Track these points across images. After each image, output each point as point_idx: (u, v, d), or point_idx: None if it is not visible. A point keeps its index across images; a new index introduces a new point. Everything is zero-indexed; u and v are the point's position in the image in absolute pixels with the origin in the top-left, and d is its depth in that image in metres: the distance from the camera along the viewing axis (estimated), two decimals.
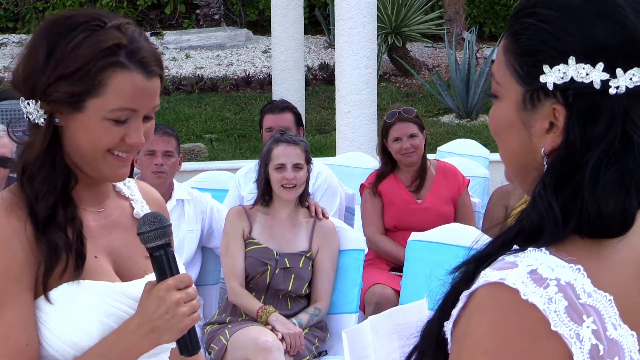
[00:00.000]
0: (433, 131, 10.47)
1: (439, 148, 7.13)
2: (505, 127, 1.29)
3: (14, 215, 1.73)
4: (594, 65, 1.21)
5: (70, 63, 1.71)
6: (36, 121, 1.75)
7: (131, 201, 1.94)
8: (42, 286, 1.72)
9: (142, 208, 1.94)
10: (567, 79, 1.22)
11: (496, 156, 7.69)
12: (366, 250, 4.92)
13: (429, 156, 5.37)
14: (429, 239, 4.48)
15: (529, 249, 1.21)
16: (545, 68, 1.23)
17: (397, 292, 4.66)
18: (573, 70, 1.22)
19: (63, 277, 1.73)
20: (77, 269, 1.74)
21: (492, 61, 11.81)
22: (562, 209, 1.21)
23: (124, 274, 1.84)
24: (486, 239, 1.29)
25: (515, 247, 1.22)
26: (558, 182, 1.22)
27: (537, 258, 1.19)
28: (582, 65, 1.21)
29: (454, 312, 1.22)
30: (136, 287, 1.81)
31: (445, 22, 13.60)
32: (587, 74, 1.21)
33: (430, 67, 13.41)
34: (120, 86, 1.72)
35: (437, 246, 4.43)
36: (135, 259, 1.86)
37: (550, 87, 1.23)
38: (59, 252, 1.72)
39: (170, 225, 1.81)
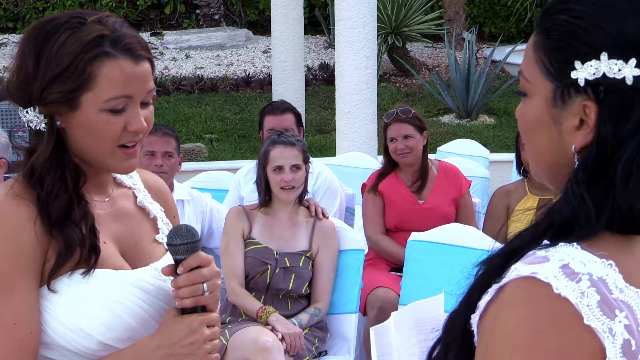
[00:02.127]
0: (433, 131, 10.46)
1: (439, 148, 7.13)
2: (535, 125, 1.29)
3: (24, 206, 1.75)
4: (626, 61, 1.21)
5: (59, 63, 1.74)
6: (37, 127, 1.78)
7: (134, 190, 1.97)
8: (49, 276, 1.75)
9: (144, 196, 1.97)
10: (599, 74, 1.22)
11: (496, 156, 7.71)
12: (366, 250, 4.91)
13: (431, 156, 5.37)
14: (428, 239, 4.47)
15: (560, 243, 1.21)
16: (577, 64, 1.23)
17: (400, 295, 4.65)
18: (605, 66, 1.21)
19: (74, 269, 1.77)
20: (89, 262, 1.77)
21: (492, 61, 11.82)
22: (594, 204, 1.20)
23: (131, 260, 1.87)
24: (498, 245, 1.29)
25: (546, 242, 1.22)
26: (590, 178, 1.22)
27: (568, 253, 1.19)
28: (615, 61, 1.21)
29: (481, 304, 1.22)
30: (143, 276, 1.85)
31: (445, 22, 13.60)
32: (619, 70, 1.21)
33: (430, 67, 13.40)
34: (110, 75, 1.75)
35: (437, 246, 4.43)
36: (142, 244, 1.89)
37: (581, 83, 1.23)
38: (74, 248, 1.76)
39: (200, 240, 1.84)
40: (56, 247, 1.75)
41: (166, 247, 1.85)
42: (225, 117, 11.60)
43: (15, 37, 14.64)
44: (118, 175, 1.96)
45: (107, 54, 1.75)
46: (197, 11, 15.27)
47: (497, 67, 11.69)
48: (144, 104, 1.81)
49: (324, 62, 13.49)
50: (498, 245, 1.29)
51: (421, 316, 3.12)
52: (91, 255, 1.78)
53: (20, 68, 1.78)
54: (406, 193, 5.14)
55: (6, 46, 14.39)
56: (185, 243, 1.80)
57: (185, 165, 6.11)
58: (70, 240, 1.75)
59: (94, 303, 1.77)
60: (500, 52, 12.18)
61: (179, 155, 4.70)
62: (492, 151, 7.77)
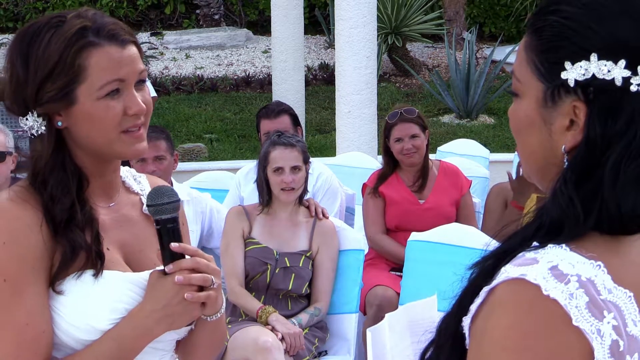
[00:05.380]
0: (433, 131, 10.46)
1: (439, 148, 7.13)
2: (525, 125, 1.29)
3: (30, 209, 1.77)
4: (615, 62, 1.21)
5: (47, 62, 1.76)
6: (39, 132, 1.79)
7: (141, 197, 1.97)
8: (54, 279, 1.77)
9: None
10: (589, 75, 1.22)
11: (496, 156, 7.71)
12: (366, 250, 4.91)
13: (431, 156, 5.37)
14: (428, 239, 4.47)
15: (549, 245, 1.21)
16: (567, 64, 1.23)
17: (399, 294, 4.65)
18: (595, 67, 1.22)
19: (81, 270, 1.78)
20: (95, 267, 1.79)
21: (492, 61, 11.82)
22: (582, 205, 1.21)
23: (135, 266, 1.88)
24: (495, 243, 1.29)
25: (535, 243, 1.23)
26: (579, 179, 1.22)
27: (557, 254, 1.20)
28: (604, 62, 1.21)
29: (473, 307, 1.22)
30: (147, 277, 1.85)
31: (445, 22, 13.60)
32: (608, 71, 1.21)
33: (430, 67, 13.40)
34: (99, 64, 1.78)
35: (437, 246, 4.43)
36: (146, 252, 1.90)
37: (571, 83, 1.23)
38: (78, 252, 1.77)
39: (180, 200, 1.84)
40: (61, 251, 1.77)
41: (147, 210, 1.85)
42: (225, 117, 11.60)
43: None
44: (127, 181, 1.97)
45: (92, 44, 1.77)
46: (197, 11, 15.26)
47: (497, 67, 11.69)
48: (138, 88, 1.83)
49: (324, 62, 13.49)
50: (493, 245, 1.29)
51: (415, 317, 3.12)
52: (97, 261, 1.79)
53: (12, 76, 1.80)
54: (407, 193, 5.14)
55: (6, 46, 14.40)
56: (171, 202, 1.80)
57: (185, 165, 6.13)
58: (75, 245, 1.76)
59: (101, 303, 1.78)
60: (500, 52, 12.18)
61: (172, 154, 4.61)
62: (492, 151, 7.77)
